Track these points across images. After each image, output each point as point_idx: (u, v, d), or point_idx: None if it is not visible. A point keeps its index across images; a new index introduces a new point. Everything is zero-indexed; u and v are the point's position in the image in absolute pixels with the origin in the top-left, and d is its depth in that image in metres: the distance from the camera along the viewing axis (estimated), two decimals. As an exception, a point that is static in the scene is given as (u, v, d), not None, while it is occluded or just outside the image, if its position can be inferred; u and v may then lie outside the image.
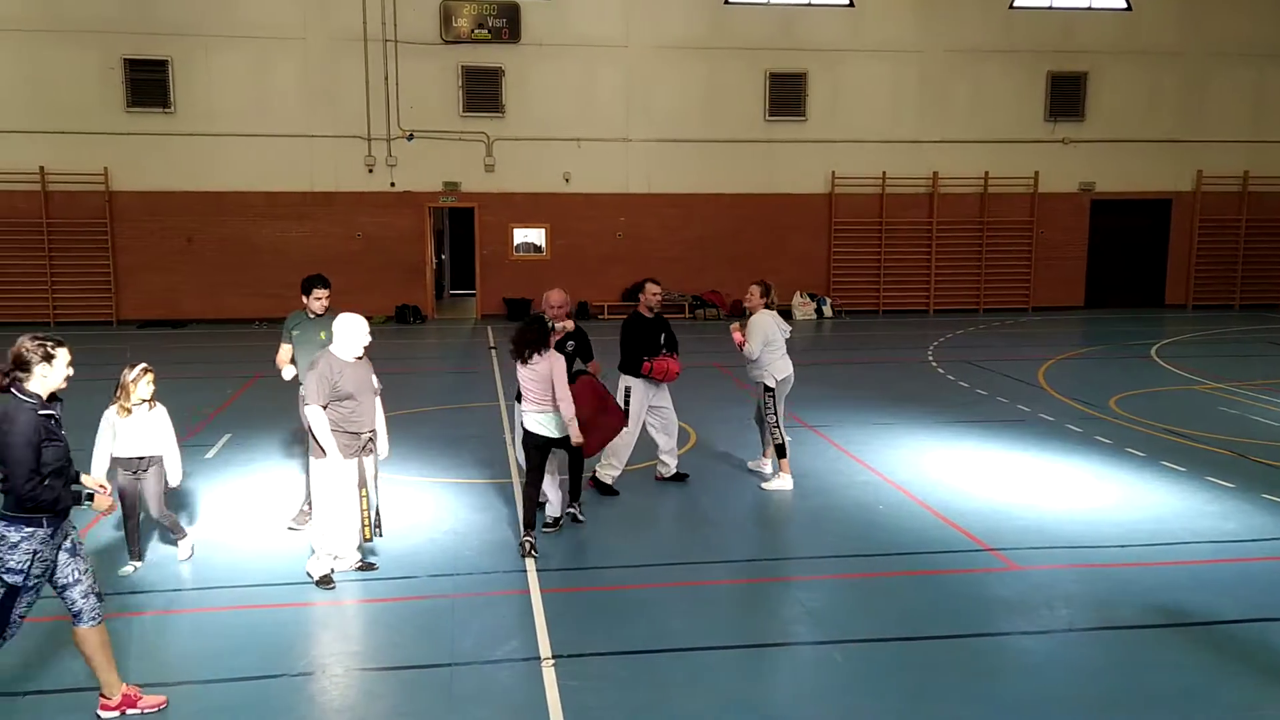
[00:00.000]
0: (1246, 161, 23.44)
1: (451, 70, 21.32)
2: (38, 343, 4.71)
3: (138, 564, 6.99)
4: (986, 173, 22.93)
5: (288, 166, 21.09)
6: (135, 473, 6.80)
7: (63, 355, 4.75)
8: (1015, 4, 22.64)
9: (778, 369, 9.15)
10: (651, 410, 8.93)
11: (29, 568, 4.64)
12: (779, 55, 22.15)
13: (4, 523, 4.62)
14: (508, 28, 21.17)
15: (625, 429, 8.60)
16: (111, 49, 20.34)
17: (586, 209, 22.11)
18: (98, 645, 4.87)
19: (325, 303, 7.78)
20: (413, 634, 6.01)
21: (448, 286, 26.29)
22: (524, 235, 22.24)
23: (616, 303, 22.11)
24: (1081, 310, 23.51)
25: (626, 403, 8.70)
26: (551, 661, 5.60)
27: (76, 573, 4.82)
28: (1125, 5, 22.89)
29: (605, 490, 8.80)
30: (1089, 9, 22.84)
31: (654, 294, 8.83)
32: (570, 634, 5.98)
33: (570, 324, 8.27)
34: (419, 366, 16.59)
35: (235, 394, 13.03)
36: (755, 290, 9.20)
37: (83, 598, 4.82)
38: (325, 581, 6.72)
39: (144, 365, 6.76)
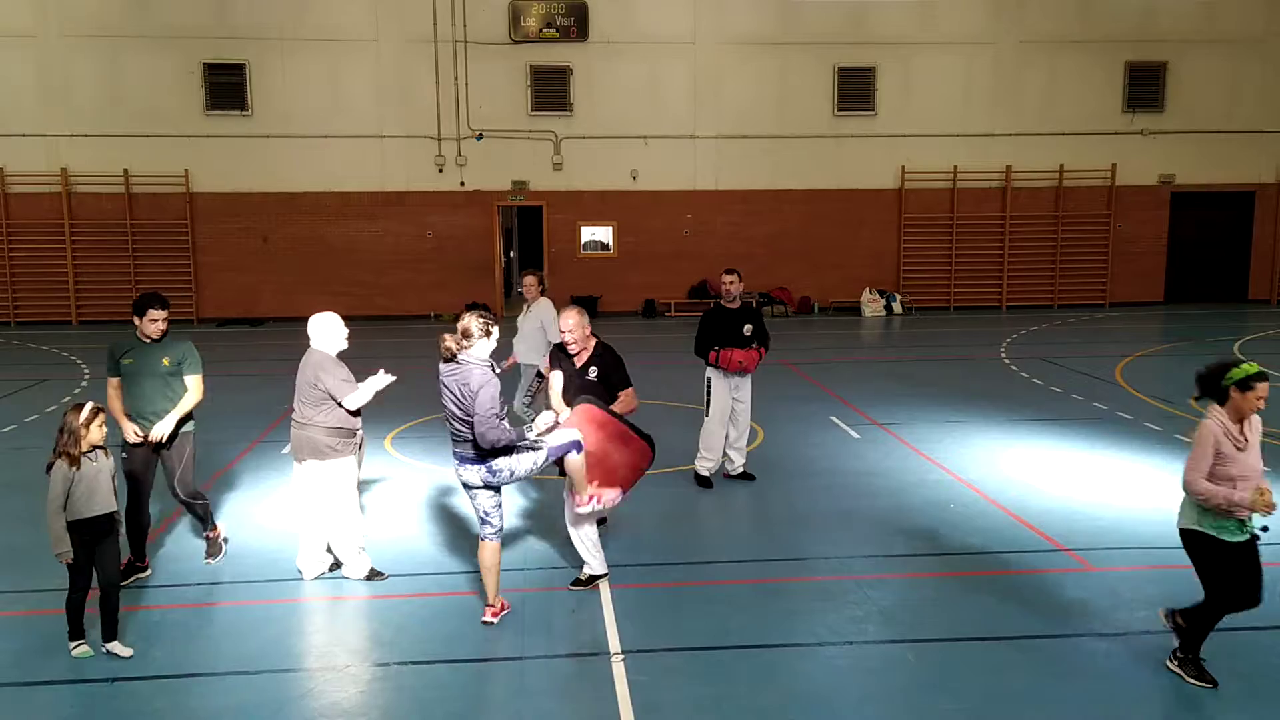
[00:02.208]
0: (1336, 151, 22.63)
1: (520, 69, 21.52)
2: (483, 321, 5.94)
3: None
4: (1062, 166, 22.46)
5: (360, 167, 21.51)
6: (95, 538, 5.62)
7: (496, 332, 5.99)
8: (1092, -8, 22.14)
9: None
10: (733, 402, 8.92)
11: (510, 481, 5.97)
12: (848, 49, 21.95)
13: (477, 466, 5.90)
14: (575, 26, 21.31)
15: (708, 418, 8.69)
16: (191, 54, 20.94)
17: (654, 206, 22.16)
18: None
19: (162, 325, 6.68)
20: (482, 628, 6.10)
21: (516, 285, 26.57)
22: (591, 233, 22.38)
23: (684, 300, 22.13)
24: (1161, 305, 22.91)
25: (708, 394, 8.75)
26: (621, 656, 5.66)
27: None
28: (1207, -8, 22.24)
29: (702, 483, 8.94)
30: (1169, -4, 22.25)
31: (727, 283, 8.80)
32: (639, 629, 6.03)
33: (577, 348, 7.09)
34: (488, 363, 16.78)
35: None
36: (532, 280, 9.93)
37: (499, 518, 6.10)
38: (375, 574, 6.82)
39: (94, 404, 5.67)
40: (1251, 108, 22.58)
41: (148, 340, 6.68)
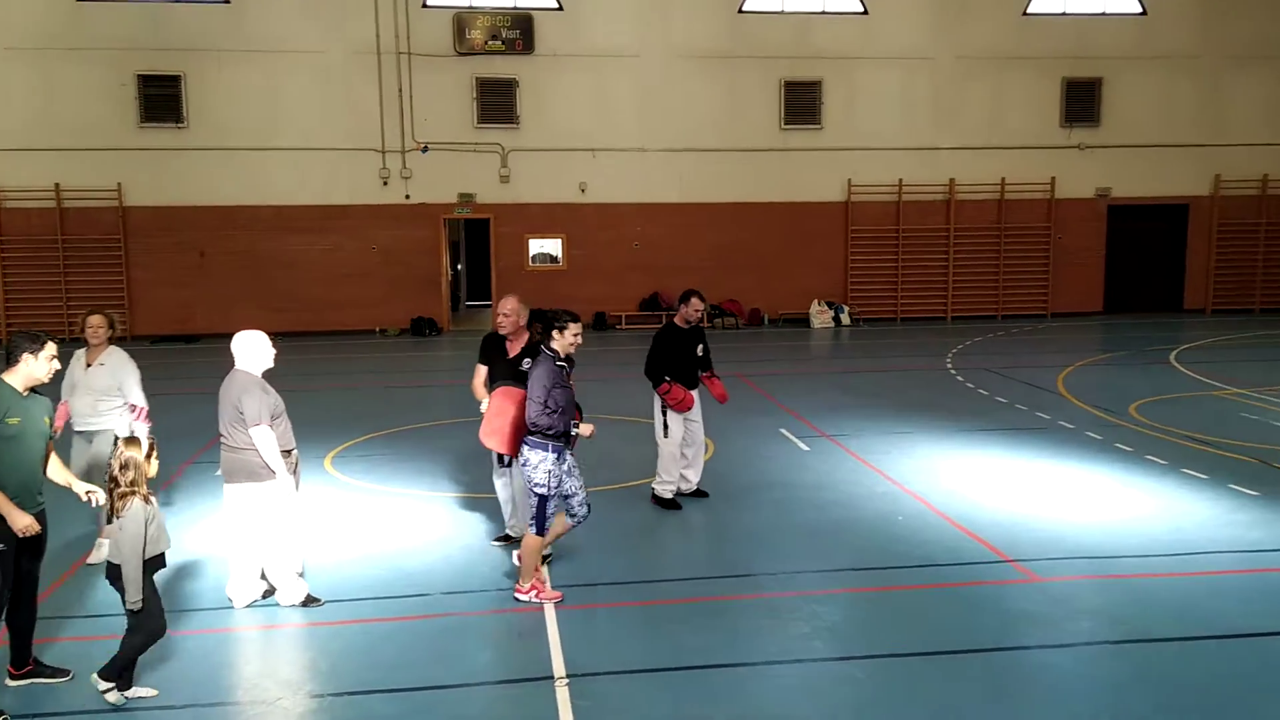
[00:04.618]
0: (1266, 165, 23.21)
1: (466, 82, 21.36)
2: (559, 321, 6.55)
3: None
4: (1003, 179, 22.79)
5: (301, 180, 21.17)
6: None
7: (575, 327, 6.60)
8: (1028, 10, 22.52)
9: None
10: (688, 422, 8.78)
11: (548, 482, 6.41)
12: (793, 63, 22.10)
13: (529, 448, 6.43)
14: (521, 39, 21.21)
15: (665, 440, 8.56)
16: (125, 66, 20.49)
17: (603, 219, 22.09)
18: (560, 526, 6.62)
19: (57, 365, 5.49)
20: (425, 654, 5.94)
21: (464, 298, 26.31)
22: (540, 246, 22.24)
23: (635, 313, 22.07)
24: (1100, 316, 23.31)
25: (664, 417, 8.59)
26: (565, 680, 5.53)
27: (573, 487, 6.57)
28: (1140, 10, 22.74)
29: (668, 505, 8.72)
30: (1103, 15, 22.69)
31: (696, 309, 8.68)
32: (584, 652, 5.91)
33: (512, 333, 7.41)
34: (434, 380, 16.57)
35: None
36: (99, 322, 7.65)
37: (579, 506, 6.62)
38: (312, 600, 6.62)
39: (150, 437, 5.48)
40: (1184, 122, 23.12)
41: (26, 394, 5.33)
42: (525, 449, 6.48)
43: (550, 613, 6.46)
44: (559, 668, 5.69)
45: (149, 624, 5.24)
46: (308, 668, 5.80)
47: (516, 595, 6.64)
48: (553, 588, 6.77)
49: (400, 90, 21.13)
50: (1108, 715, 5.15)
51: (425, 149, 21.36)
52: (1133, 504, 8.72)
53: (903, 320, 22.98)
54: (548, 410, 6.36)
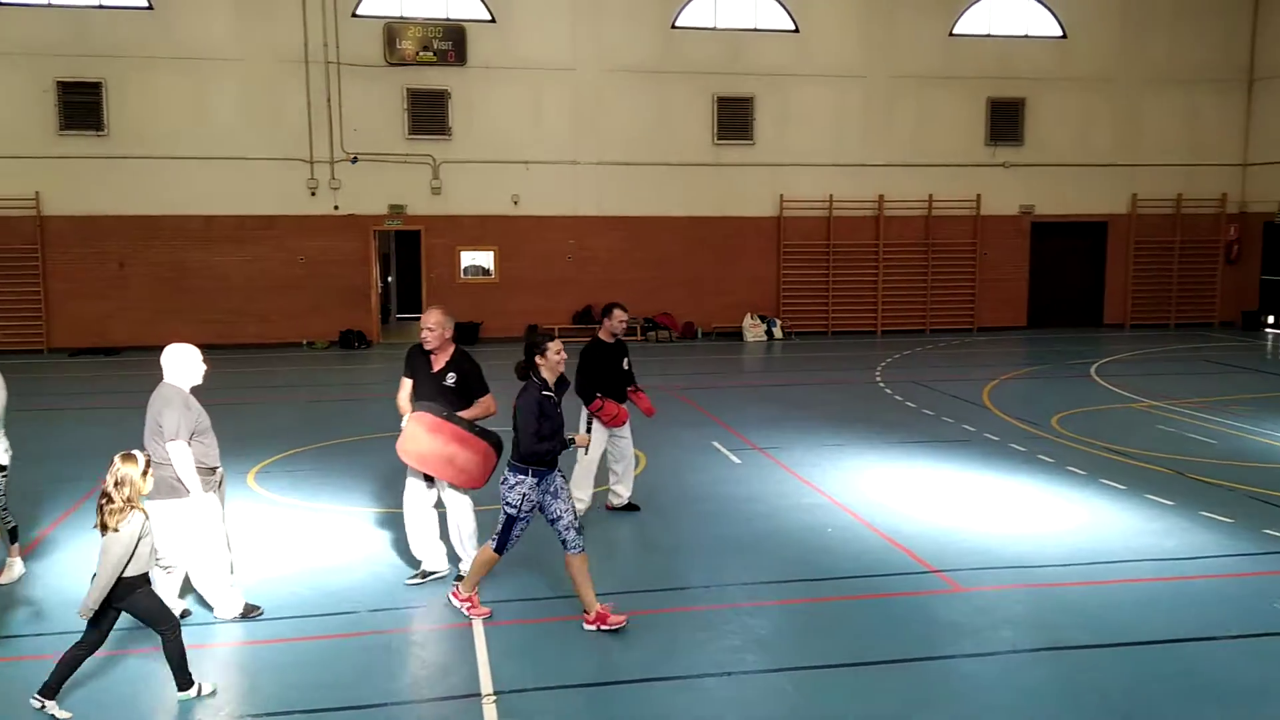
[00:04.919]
0: (1180, 184, 24.02)
1: (396, 92, 21.14)
2: (537, 346, 6.36)
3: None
4: (931, 196, 23.23)
5: (226, 190, 20.73)
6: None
7: (555, 345, 6.41)
8: (955, 32, 23.04)
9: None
10: (612, 438, 8.73)
11: (520, 505, 6.28)
12: (726, 79, 22.29)
13: (509, 470, 6.31)
14: (454, 50, 21.07)
15: (584, 456, 8.46)
16: (44, 72, 19.88)
17: (536, 232, 22.01)
18: (576, 569, 6.33)
19: None
20: (349, 672, 5.82)
21: (394, 310, 25.99)
22: (472, 258, 22.06)
23: (568, 325, 22.01)
24: (1024, 330, 23.86)
25: (589, 429, 8.52)
26: (493, 697, 5.46)
27: (558, 510, 6.34)
28: (1061, 33, 23.40)
29: (627, 508, 8.85)
30: (1026, 37, 23.31)
31: (620, 320, 8.65)
32: (513, 668, 5.84)
33: (436, 346, 7.12)
34: (362, 393, 16.31)
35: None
36: None
37: (565, 529, 6.34)
38: (251, 610, 6.51)
39: (145, 454, 5.49)
40: (1103, 142, 23.82)
41: None
42: (506, 469, 6.39)
43: (479, 629, 6.38)
44: (486, 684, 5.62)
45: (168, 623, 5.42)
46: (228, 688, 5.63)
47: (451, 597, 6.66)
48: (483, 603, 6.68)
49: (329, 100, 20.84)
50: (1030, 722, 5.24)
51: (355, 159, 21.08)
52: (1055, 514, 8.91)
53: (834, 334, 23.26)
54: (539, 439, 6.23)
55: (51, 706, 5.21)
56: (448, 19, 21.23)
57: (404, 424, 7.02)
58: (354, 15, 20.91)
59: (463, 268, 22.02)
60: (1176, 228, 24.20)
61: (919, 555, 7.79)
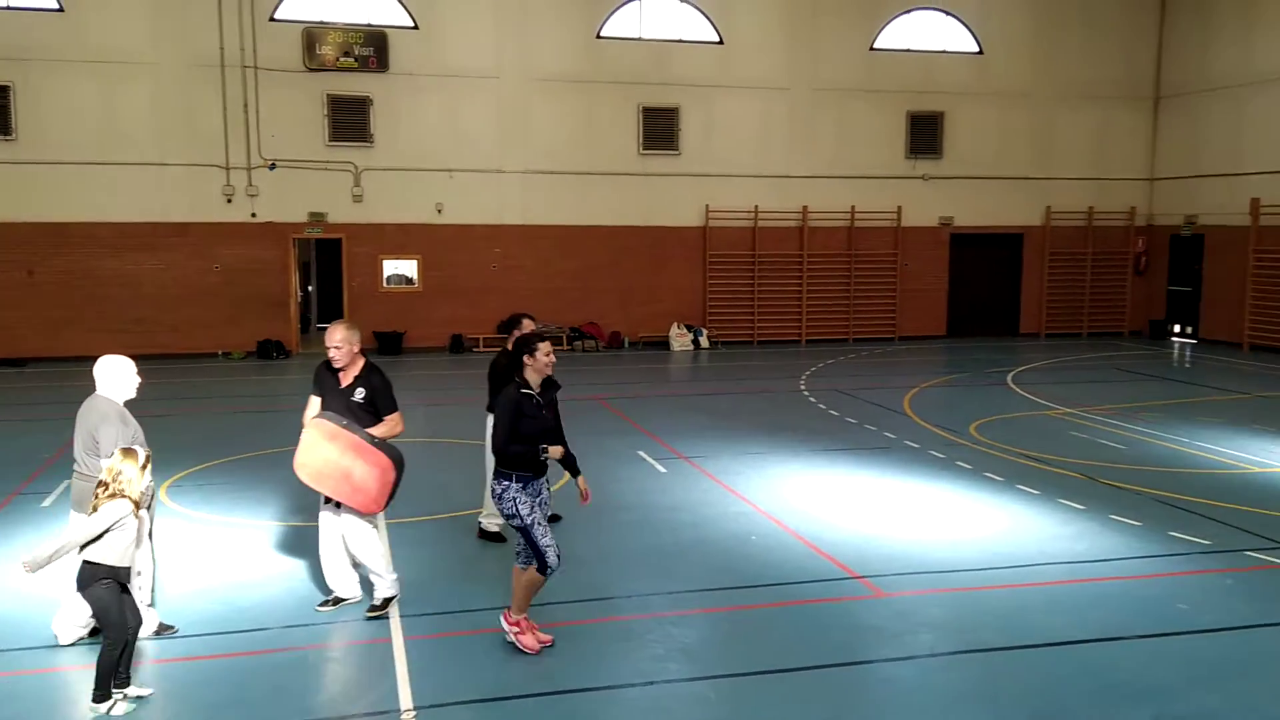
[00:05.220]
0: (1092, 198, 24.77)
1: (316, 98, 20.77)
2: (527, 346, 6.15)
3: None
4: (853, 207, 23.58)
5: (139, 196, 20.12)
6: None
7: (545, 346, 6.21)
8: (876, 46, 23.45)
9: None
10: None
11: (518, 510, 5.99)
12: (652, 90, 22.37)
13: (496, 478, 6.10)
14: (375, 57, 20.78)
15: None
16: (-54, 71, 19.12)
17: (460, 240, 21.79)
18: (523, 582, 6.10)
19: None
20: (262, 690, 5.65)
21: (314, 320, 25.49)
22: (395, 267, 21.75)
23: (493, 335, 21.80)
24: (944, 339, 24.33)
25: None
26: (412, 713, 5.35)
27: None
28: (978, 50, 23.99)
29: (491, 538, 8.37)
30: (944, 53, 23.84)
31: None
32: (433, 682, 5.74)
33: (347, 363, 6.77)
34: (280, 404, 15.93)
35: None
36: None
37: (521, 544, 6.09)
38: (165, 629, 6.35)
39: (145, 450, 5.68)
40: (1019, 155, 24.45)
41: None
42: (494, 483, 6.13)
43: (398, 643, 6.25)
44: (405, 700, 5.51)
45: (113, 632, 5.34)
46: (140, 708, 5.42)
47: (503, 621, 6.26)
48: (408, 616, 6.53)
49: (246, 105, 20.37)
50: (947, 725, 5.31)
51: (273, 166, 20.64)
52: (973, 519, 9.08)
53: (759, 343, 23.45)
54: (512, 438, 5.98)
55: (118, 698, 5.33)
56: (369, 25, 20.94)
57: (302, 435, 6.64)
58: (272, 19, 20.50)
59: (385, 276, 21.69)
60: (1089, 239, 24.94)
61: (841, 561, 7.87)
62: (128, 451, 5.51)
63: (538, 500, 6.09)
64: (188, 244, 20.49)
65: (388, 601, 6.72)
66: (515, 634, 6.12)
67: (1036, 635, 6.45)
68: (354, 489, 6.46)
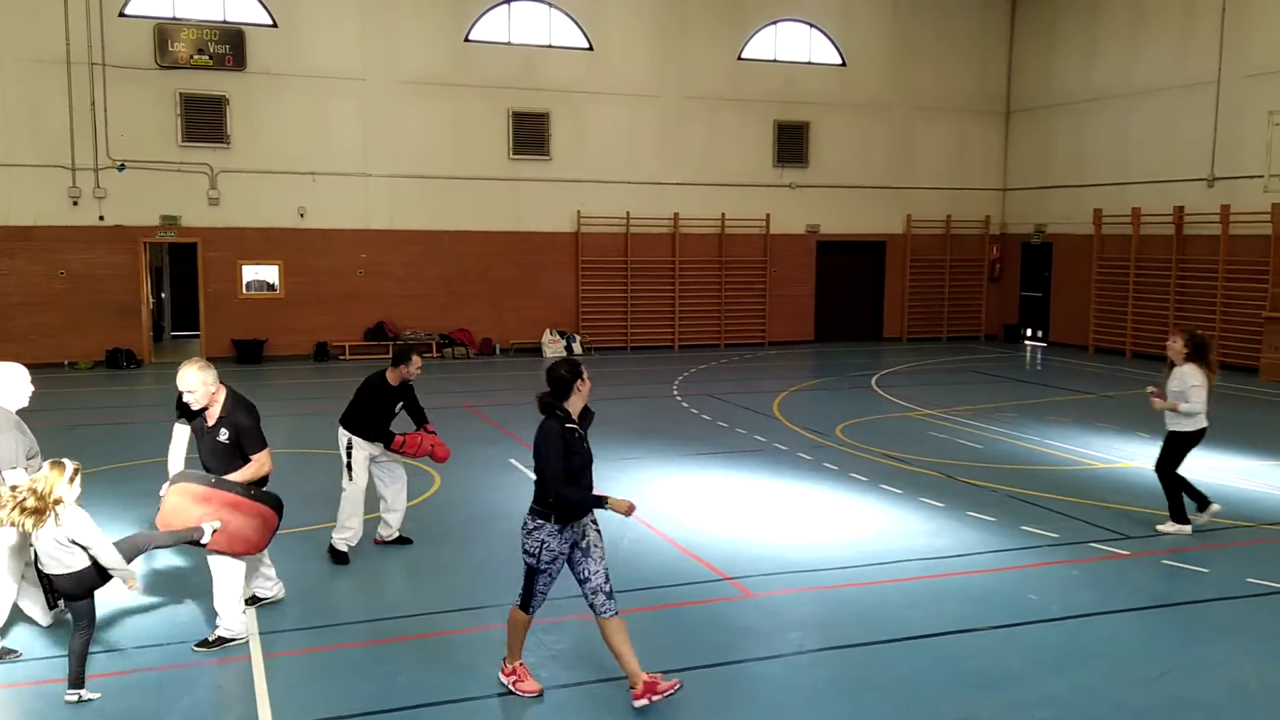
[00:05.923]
0: (949, 206, 25.81)
1: (169, 97, 19.88)
2: (572, 376, 5.85)
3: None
4: (723, 214, 23.96)
5: (-24, 197, 18.90)
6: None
7: (586, 385, 5.99)
8: (743, 56, 23.90)
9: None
10: (376, 462, 8.23)
11: (539, 553, 5.54)
12: (521, 95, 22.24)
13: (530, 514, 5.63)
14: (232, 55, 20.02)
15: (350, 484, 8.07)
16: None
17: (324, 245, 21.19)
18: (612, 634, 5.56)
19: None
20: (114, 714, 5.34)
21: (168, 328, 24.38)
22: (254, 272, 20.99)
23: (360, 342, 21.28)
24: (812, 344, 24.94)
25: (349, 456, 8.05)
26: (271, 734, 5.14)
27: (587, 571, 5.60)
28: (841, 62, 24.71)
29: (339, 559, 8.02)
30: (809, 64, 24.47)
31: (418, 368, 8.18)
32: (296, 701, 5.54)
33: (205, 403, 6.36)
34: (132, 415, 15.20)
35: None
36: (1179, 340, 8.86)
37: (594, 592, 5.58)
38: (7, 653, 6.01)
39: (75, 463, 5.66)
40: (881, 166, 25.30)
41: None
42: (527, 518, 5.66)
43: (258, 661, 6.01)
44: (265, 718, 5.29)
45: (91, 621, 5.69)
46: (-39, 749, 5.07)
47: (500, 677, 5.83)
48: (267, 634, 6.29)
49: (93, 104, 19.35)
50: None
51: (122, 167, 19.66)
52: (839, 519, 9.32)
53: (633, 349, 23.58)
54: (568, 479, 5.57)
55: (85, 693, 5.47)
56: (225, 22, 20.17)
57: (163, 492, 6.19)
58: (121, 15, 19.54)
59: (245, 283, 20.91)
60: (947, 247, 25.97)
61: (712, 564, 7.95)
62: (56, 464, 5.56)
63: (577, 545, 5.66)
64: (31, 248, 19.34)
65: (222, 641, 6.27)
66: (514, 683, 5.76)
67: (897, 629, 6.65)
68: (232, 538, 6.12)
